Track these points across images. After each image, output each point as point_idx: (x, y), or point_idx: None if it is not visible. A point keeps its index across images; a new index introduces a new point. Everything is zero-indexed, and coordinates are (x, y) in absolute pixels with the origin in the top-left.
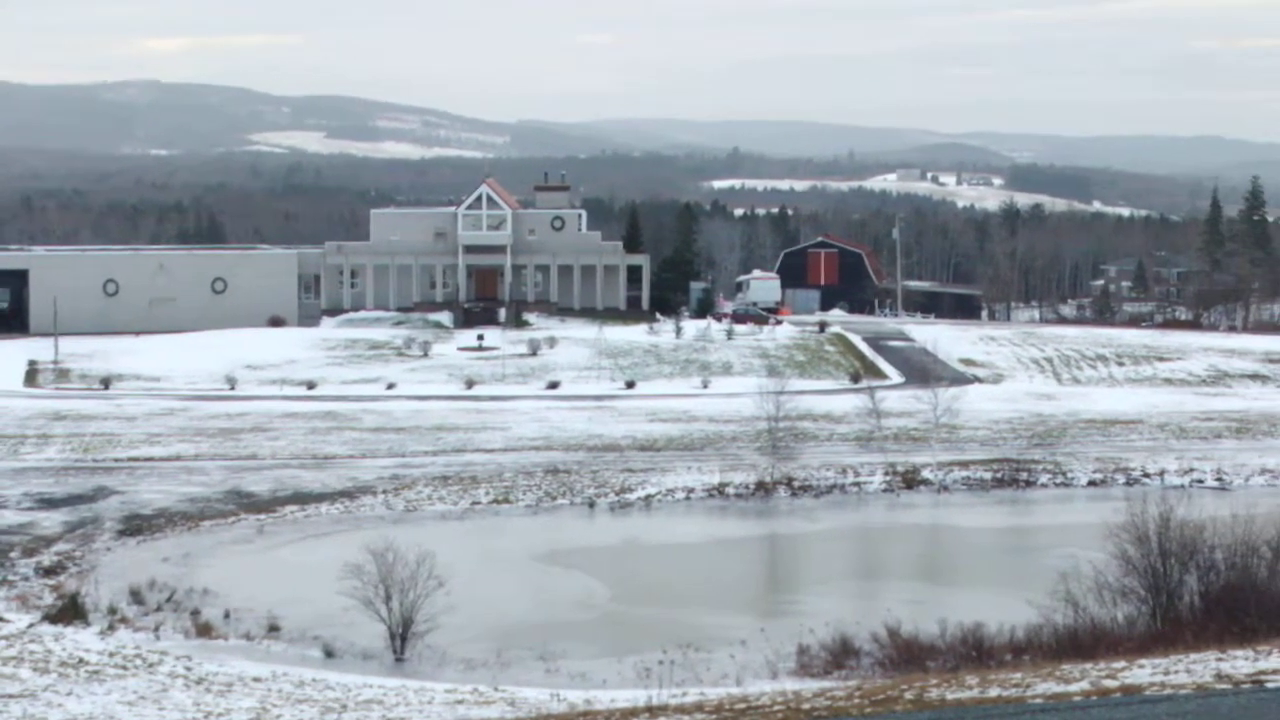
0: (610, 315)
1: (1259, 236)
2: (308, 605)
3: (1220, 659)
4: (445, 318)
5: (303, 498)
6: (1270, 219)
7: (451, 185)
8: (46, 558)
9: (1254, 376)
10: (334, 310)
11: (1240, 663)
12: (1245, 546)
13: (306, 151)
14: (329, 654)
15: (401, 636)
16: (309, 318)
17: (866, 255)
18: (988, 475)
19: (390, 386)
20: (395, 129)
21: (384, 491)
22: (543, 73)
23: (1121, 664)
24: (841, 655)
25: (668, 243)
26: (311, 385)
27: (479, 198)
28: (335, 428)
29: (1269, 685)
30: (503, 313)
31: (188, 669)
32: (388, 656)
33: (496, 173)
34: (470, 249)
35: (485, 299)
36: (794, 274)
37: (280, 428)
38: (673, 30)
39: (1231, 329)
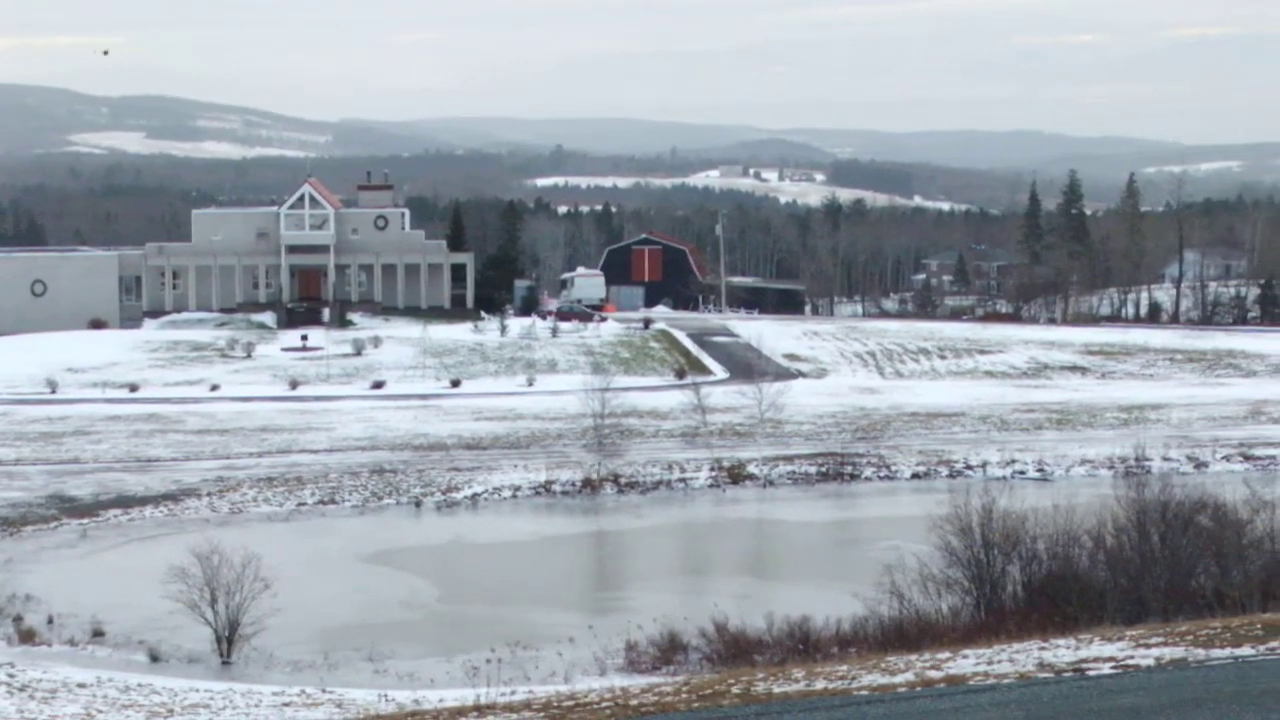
0: (435, 314)
1: (1077, 230)
2: (132, 610)
3: (1043, 648)
4: (269, 318)
5: (126, 501)
6: (1088, 212)
7: (274, 185)
8: None
9: (1073, 368)
10: (156, 312)
11: (1062, 651)
12: (1066, 536)
13: (127, 152)
14: (154, 658)
15: (228, 639)
16: (131, 320)
17: (690, 252)
18: (813, 469)
19: (214, 388)
20: (216, 129)
21: (209, 494)
22: (365, 71)
23: (946, 654)
24: (669, 651)
25: (492, 241)
26: (134, 388)
27: (301, 197)
28: (158, 430)
29: (1090, 673)
30: (327, 313)
31: (10, 676)
32: (214, 660)
33: (319, 172)
34: (293, 249)
35: (309, 299)
36: (618, 271)
37: (102, 431)
38: (495, 28)
39: (1051, 321)
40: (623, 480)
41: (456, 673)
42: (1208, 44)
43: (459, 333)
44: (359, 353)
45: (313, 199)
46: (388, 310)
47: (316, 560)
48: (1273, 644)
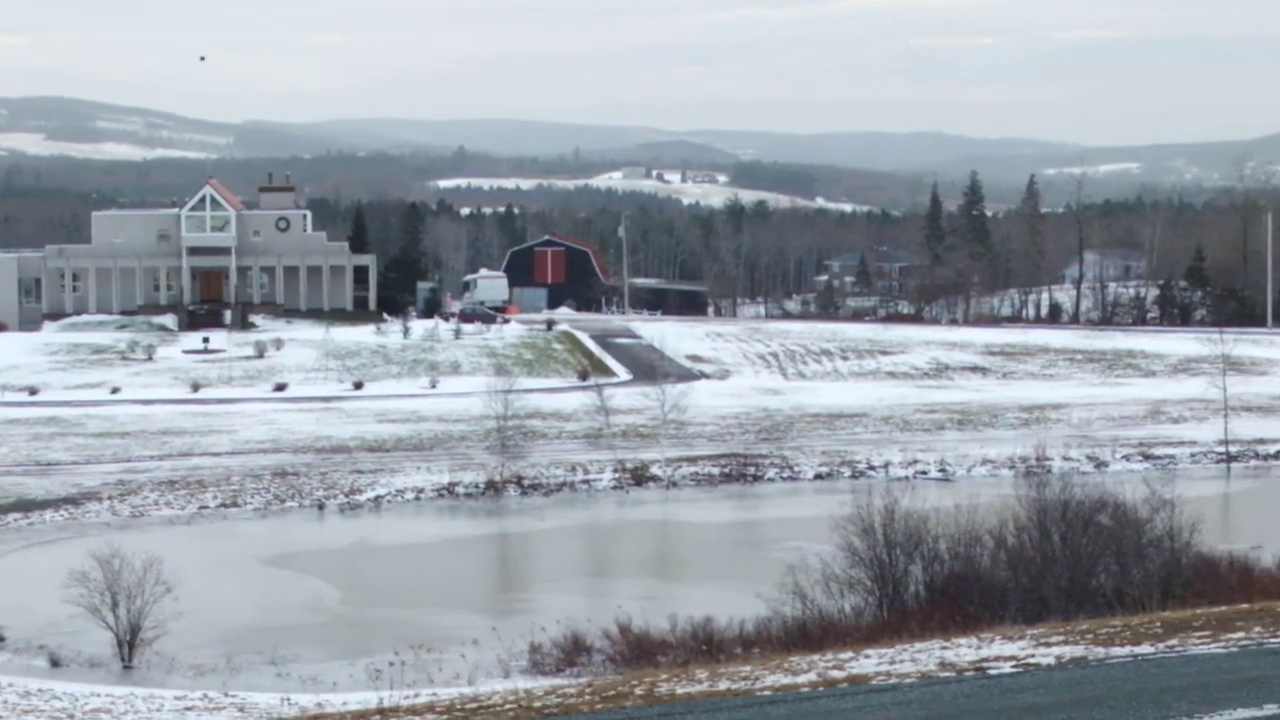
0: (337, 316)
1: (978, 231)
2: (33, 614)
3: (945, 647)
4: (170, 321)
5: (26, 505)
6: (989, 214)
7: (175, 187)
8: None
9: (974, 369)
10: (56, 314)
11: (964, 650)
12: (968, 536)
13: (26, 154)
14: (55, 663)
15: (129, 644)
16: (30, 322)
17: (593, 253)
18: (716, 470)
19: (115, 391)
20: (117, 130)
21: (109, 497)
22: (267, 72)
23: (848, 654)
24: (573, 652)
25: (394, 243)
26: (33, 391)
27: (202, 199)
28: (59, 433)
29: (991, 672)
30: (228, 315)
31: None
32: (115, 664)
33: (220, 174)
34: (194, 251)
35: (210, 301)
36: (521, 273)
37: (1, 434)
38: (398, 30)
39: (953, 322)
40: (526, 482)
41: (359, 675)
42: (1106, 46)
43: (362, 335)
44: (261, 355)
45: (214, 201)
46: (290, 312)
47: (219, 563)
48: (1172, 642)
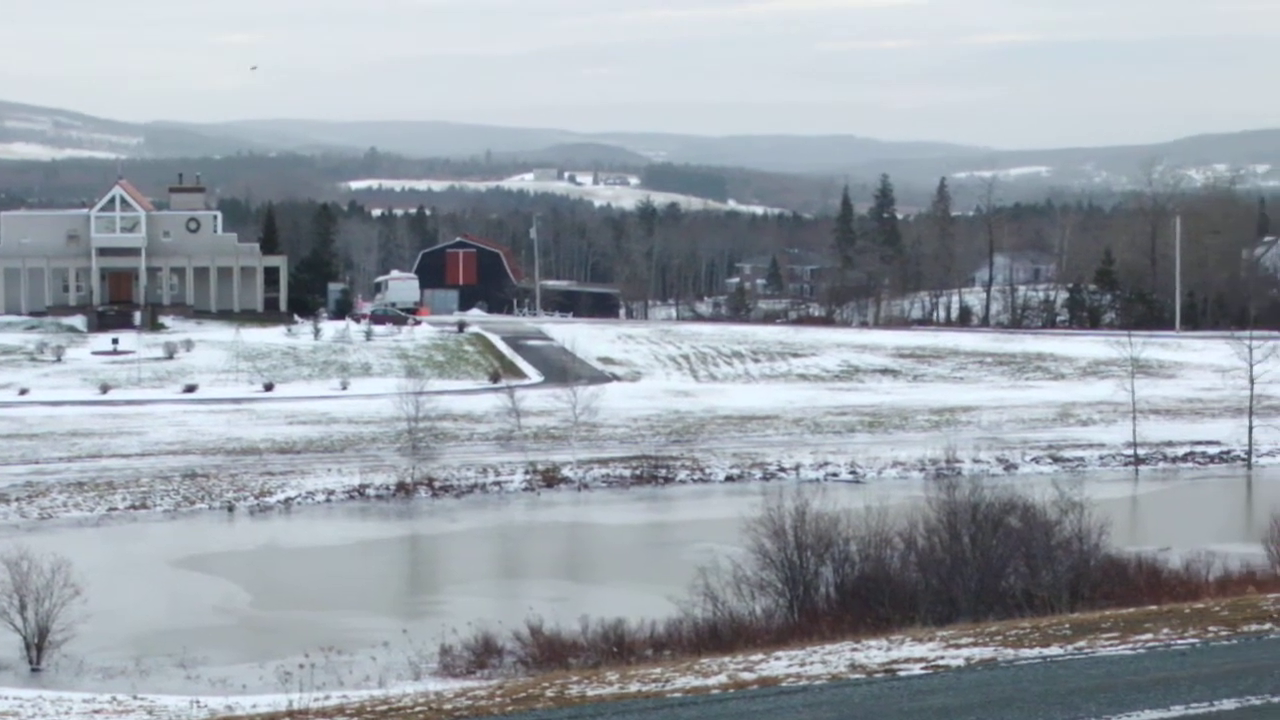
0: (248, 317)
1: (889, 234)
2: None
3: (855, 649)
4: (79, 322)
5: None
6: (900, 217)
7: (84, 187)
8: None
9: (885, 371)
10: None
11: (874, 652)
12: (879, 538)
13: None
14: None
15: (37, 646)
16: None
17: (505, 255)
18: (627, 472)
19: (23, 392)
20: (25, 130)
21: (17, 499)
22: (178, 73)
23: (759, 656)
24: (484, 654)
25: (305, 244)
26: None
27: (112, 199)
28: None
29: (901, 674)
30: (138, 316)
31: None
32: (23, 667)
33: (130, 174)
34: (104, 252)
35: (120, 302)
36: (432, 274)
37: None
38: (308, 30)
39: (863, 325)
40: (437, 484)
41: (269, 678)
42: (1017, 50)
43: (272, 336)
44: (171, 356)
45: (124, 201)
46: (200, 314)
47: (128, 566)
48: (1080, 643)
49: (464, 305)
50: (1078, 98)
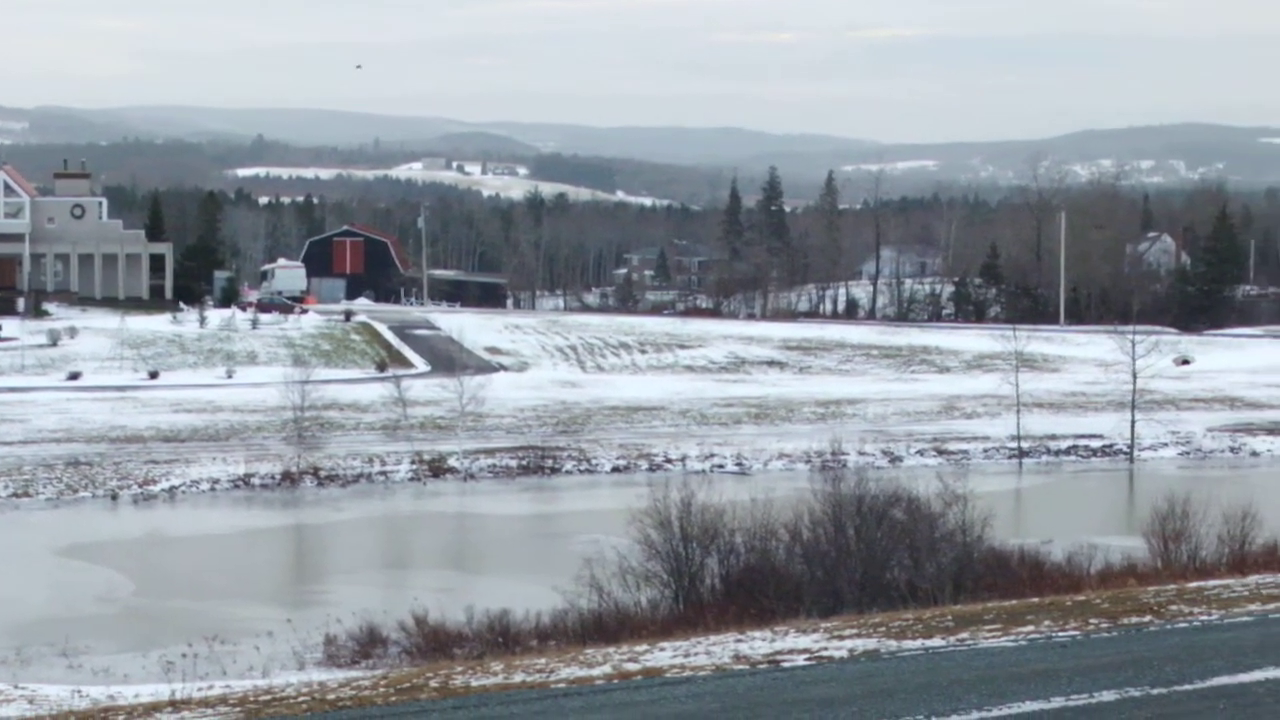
0: (133, 305)
1: (776, 226)
2: None
3: (739, 640)
4: None
5: None
6: (788, 209)
7: None
8: None
9: (772, 363)
10: None
11: (758, 643)
12: (764, 530)
13: None
14: None
15: None
16: None
17: (392, 244)
18: (514, 463)
19: None
20: None
21: None
22: (64, 57)
23: (644, 647)
24: (369, 645)
25: (191, 231)
26: None
27: None
28: None
29: (785, 665)
30: (21, 303)
31: None
32: None
33: (14, 159)
34: None
35: (3, 289)
36: (320, 263)
37: None
38: (196, 16)
39: (751, 317)
40: (323, 473)
41: (152, 668)
42: (906, 45)
43: (157, 324)
44: (54, 343)
45: (7, 186)
46: (85, 300)
47: (9, 554)
48: (963, 635)
49: (351, 294)
50: (965, 93)
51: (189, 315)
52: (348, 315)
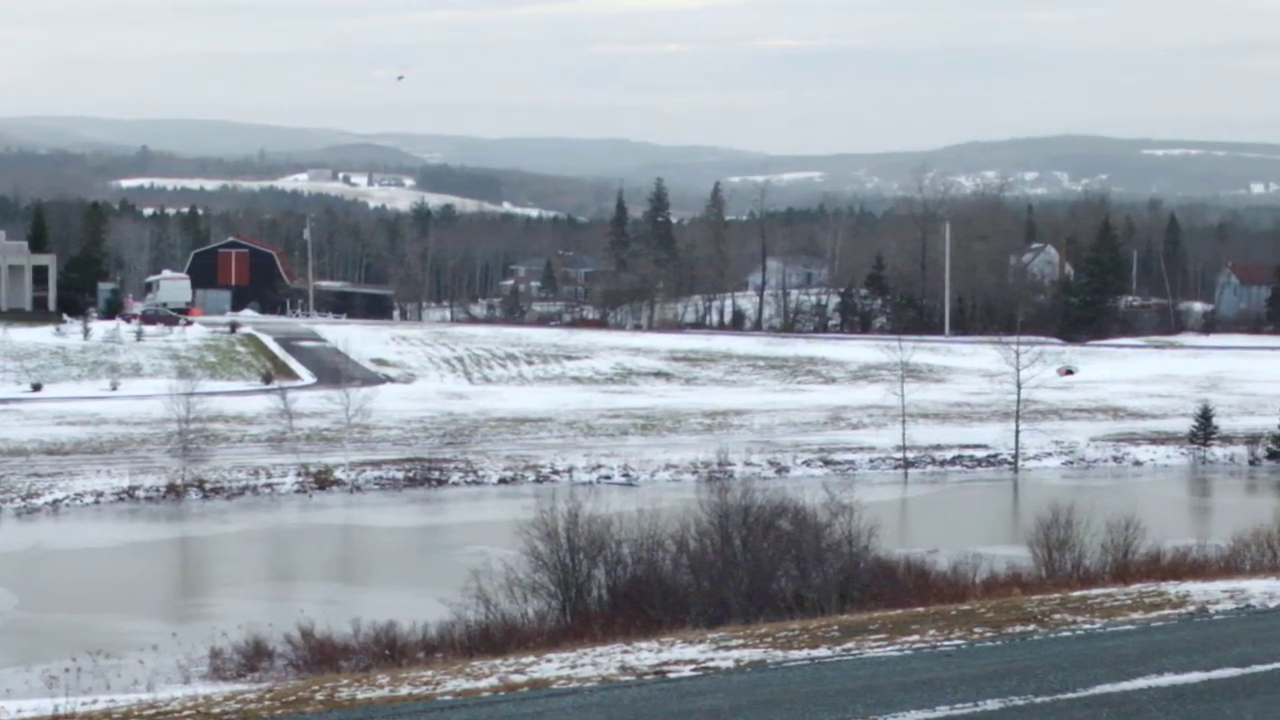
0: (15, 316)
1: (663, 237)
2: None
3: (626, 651)
4: None
5: None
6: (674, 220)
7: None
8: None
9: (658, 374)
10: None
11: (645, 654)
12: (651, 541)
13: None
14: None
15: None
16: None
17: (278, 255)
18: (400, 475)
19: None
20: None
21: None
22: None
23: (531, 658)
24: (255, 658)
25: (75, 243)
26: None
27: None
28: None
29: (671, 675)
30: None
31: None
32: None
33: None
34: None
35: None
36: (205, 274)
37: None
38: (79, 25)
39: (638, 328)
40: (208, 486)
41: (35, 682)
42: (792, 57)
43: (40, 335)
44: None
45: None
46: None
47: None
48: (849, 645)
49: (237, 306)
50: (851, 104)
51: (73, 327)
52: (233, 327)
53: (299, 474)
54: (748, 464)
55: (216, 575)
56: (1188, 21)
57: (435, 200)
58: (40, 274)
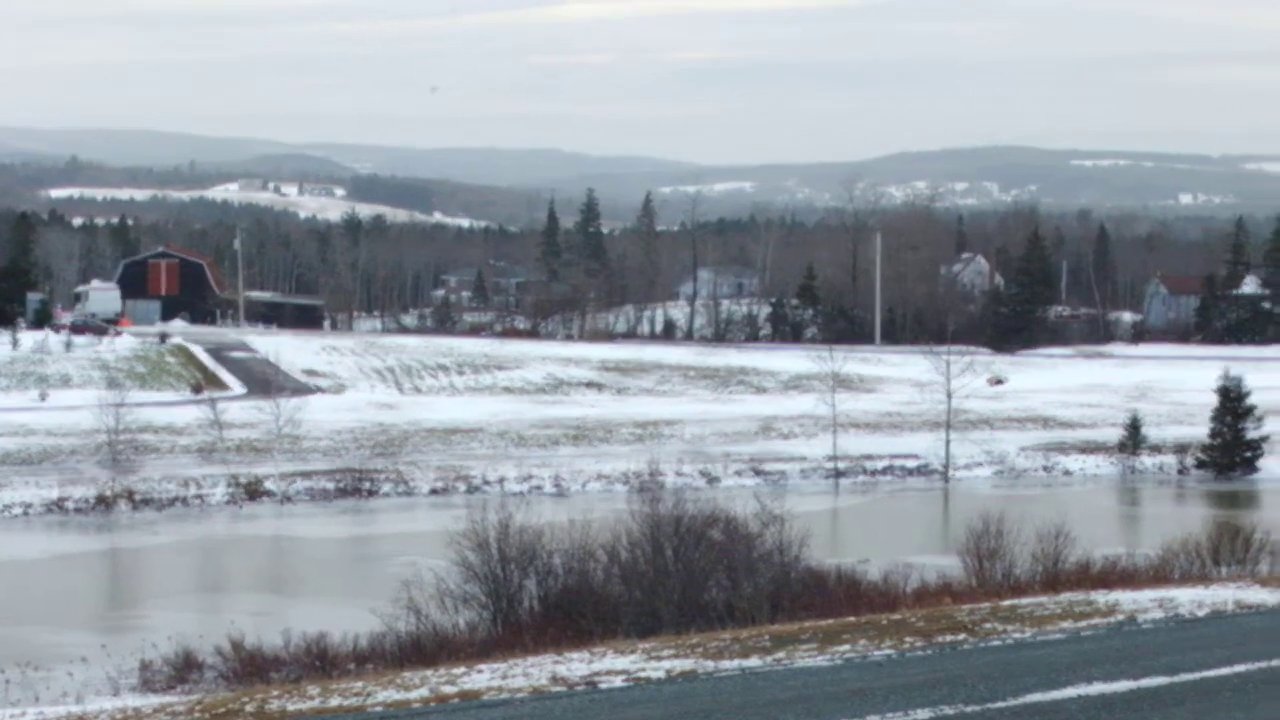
0: None
1: (594, 248)
2: None
3: (557, 661)
4: None
5: None
6: (605, 231)
7: None
8: None
9: (590, 384)
10: None
11: (576, 665)
12: (582, 551)
13: None
14: None
15: None
16: None
17: (208, 266)
18: (331, 485)
19: None
20: None
21: None
22: None
23: (461, 669)
24: (185, 669)
25: (3, 253)
26: None
27: None
28: None
29: (602, 686)
30: None
31: None
32: None
33: None
34: None
35: None
36: (135, 285)
37: None
38: (6, 35)
39: (569, 338)
40: (138, 497)
41: None
42: (723, 68)
43: None
44: None
45: None
46: None
47: None
48: (780, 655)
49: (166, 316)
50: (781, 115)
51: (1, 338)
52: (163, 337)
53: (229, 485)
54: (679, 474)
55: (146, 587)
56: (1104, 34)
57: (366, 210)
58: None
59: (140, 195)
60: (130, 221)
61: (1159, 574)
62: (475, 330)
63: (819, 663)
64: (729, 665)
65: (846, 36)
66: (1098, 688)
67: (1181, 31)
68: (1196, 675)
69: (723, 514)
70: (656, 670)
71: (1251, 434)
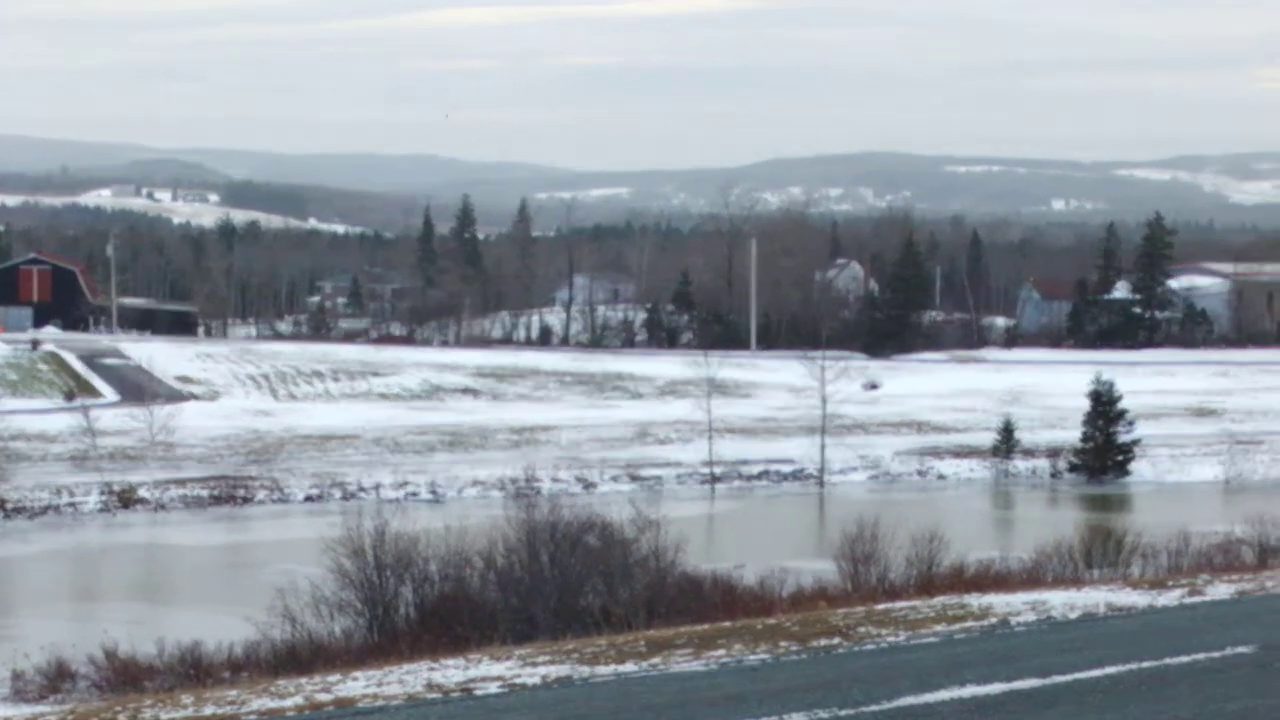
0: None
1: (470, 254)
2: None
3: (433, 668)
4: None
5: None
6: (481, 237)
7: None
8: None
9: (466, 390)
10: None
11: (452, 672)
12: (459, 557)
13: None
14: None
15: None
16: None
17: (80, 272)
18: (205, 493)
19: None
20: None
21: None
22: None
23: (337, 677)
24: (57, 679)
25: None
26: None
27: None
28: None
29: (478, 692)
30: None
31: None
32: None
33: None
34: None
35: None
36: (6, 292)
37: None
38: None
39: (445, 344)
40: (9, 505)
41: None
42: (599, 73)
43: None
44: None
45: None
46: None
47: None
48: (655, 660)
49: (38, 323)
50: (656, 121)
51: None
52: (35, 344)
53: (103, 493)
54: (555, 480)
55: (18, 596)
56: (978, 43)
57: (240, 216)
58: None
59: (11, 201)
60: (1, 228)
61: (1032, 577)
62: (351, 337)
63: (695, 668)
64: (605, 671)
65: (716, 43)
66: (971, 690)
67: (1054, 40)
68: (1069, 677)
69: (598, 520)
70: (532, 676)
71: (1123, 438)
